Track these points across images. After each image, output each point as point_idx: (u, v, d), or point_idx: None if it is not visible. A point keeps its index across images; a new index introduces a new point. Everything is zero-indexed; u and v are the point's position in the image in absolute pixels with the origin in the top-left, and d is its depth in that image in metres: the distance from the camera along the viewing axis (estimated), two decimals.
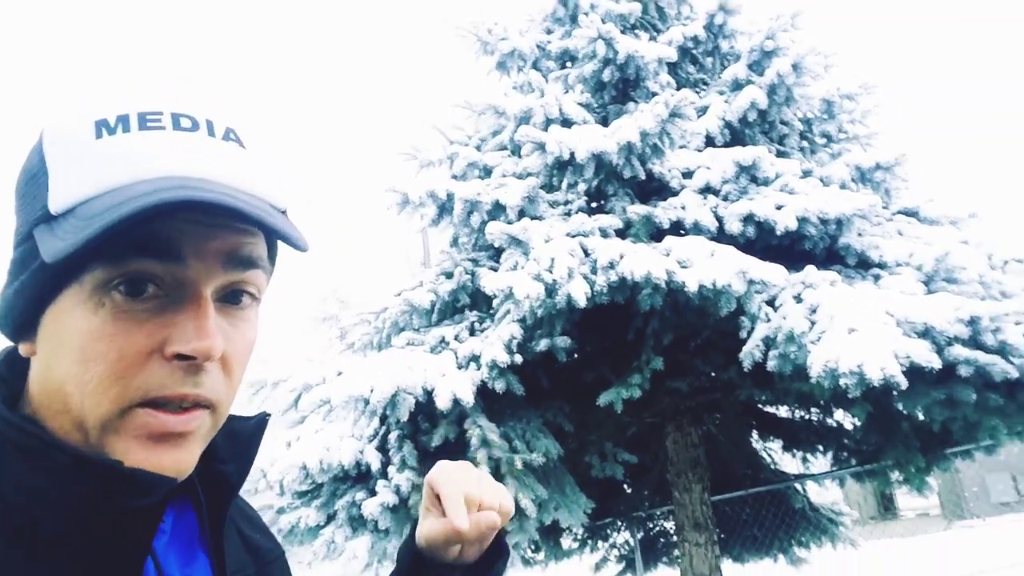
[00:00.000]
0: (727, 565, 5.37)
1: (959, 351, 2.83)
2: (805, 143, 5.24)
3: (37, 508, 0.49)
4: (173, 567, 0.57)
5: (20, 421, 0.50)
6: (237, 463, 0.64)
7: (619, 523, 6.05)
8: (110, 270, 0.49)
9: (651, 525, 6.27)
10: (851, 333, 2.90)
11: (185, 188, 0.48)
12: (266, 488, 4.23)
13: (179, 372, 0.50)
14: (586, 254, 3.70)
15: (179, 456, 0.52)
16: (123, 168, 0.49)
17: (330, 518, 4.05)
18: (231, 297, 0.54)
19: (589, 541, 6.16)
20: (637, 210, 4.11)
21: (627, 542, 6.12)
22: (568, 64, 5.54)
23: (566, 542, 5.81)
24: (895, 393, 2.84)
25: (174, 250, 0.50)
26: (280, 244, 0.61)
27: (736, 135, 4.87)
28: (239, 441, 0.65)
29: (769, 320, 3.36)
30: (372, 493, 3.78)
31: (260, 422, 0.67)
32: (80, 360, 0.49)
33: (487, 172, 5.10)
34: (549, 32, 5.82)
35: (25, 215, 0.54)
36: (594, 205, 4.73)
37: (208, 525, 0.61)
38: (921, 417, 3.54)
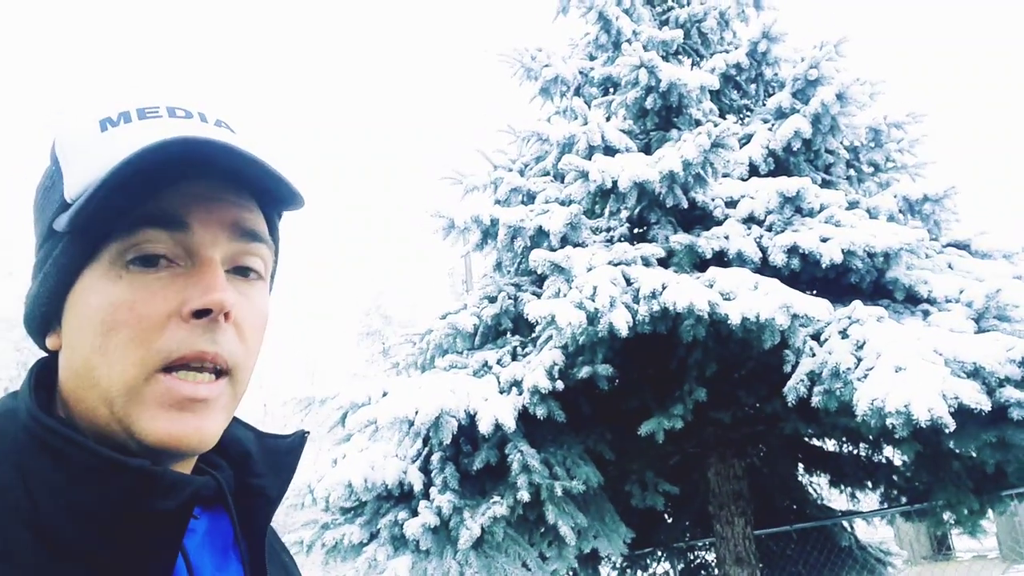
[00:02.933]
0: None
1: (1011, 393, 2.76)
2: (852, 172, 5.18)
3: (67, 509, 0.50)
4: (206, 569, 0.59)
5: (53, 423, 0.52)
6: (276, 478, 0.67)
7: (659, 553, 5.97)
8: (123, 243, 0.53)
9: (692, 556, 6.16)
10: (898, 371, 2.86)
11: (185, 141, 0.52)
12: (312, 504, 4.34)
13: (197, 330, 0.54)
14: (628, 283, 3.73)
15: (201, 424, 0.54)
16: (126, 146, 0.53)
17: (373, 536, 4.12)
18: (240, 271, 0.59)
19: (628, 570, 6.09)
20: (680, 239, 4.14)
21: (667, 573, 6.03)
22: (611, 90, 5.61)
23: (605, 570, 5.76)
24: (944, 433, 2.79)
25: (180, 219, 0.54)
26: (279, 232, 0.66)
27: (780, 163, 4.85)
28: (277, 457, 0.68)
29: (814, 355, 3.33)
30: (414, 513, 3.84)
31: (298, 439, 0.70)
32: (103, 331, 0.53)
33: (530, 197, 5.19)
34: (592, 58, 5.91)
35: (44, 217, 0.58)
36: (636, 232, 4.77)
37: (243, 535, 0.62)
38: (974, 456, 3.44)
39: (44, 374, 0.59)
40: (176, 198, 0.54)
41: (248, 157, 0.55)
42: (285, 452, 0.69)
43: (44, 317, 0.58)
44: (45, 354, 0.61)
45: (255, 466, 0.66)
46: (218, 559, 0.61)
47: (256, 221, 0.60)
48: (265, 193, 0.60)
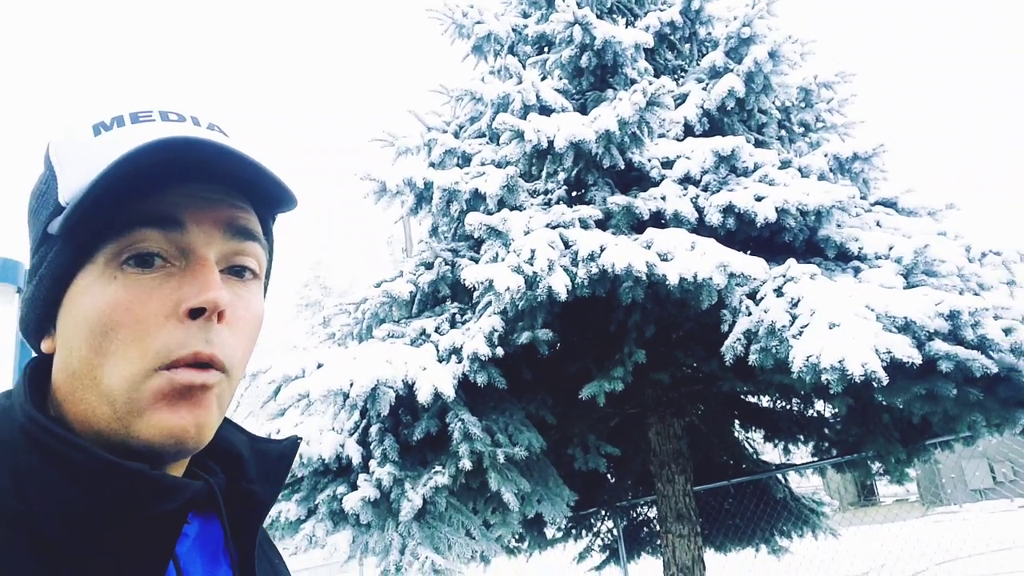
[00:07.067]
0: (710, 555, 5.40)
1: (939, 346, 2.82)
2: (784, 132, 5.23)
3: (62, 511, 0.49)
4: (197, 573, 0.59)
5: (48, 423, 0.51)
6: (267, 483, 0.67)
7: (603, 513, 6.07)
8: (118, 244, 0.53)
9: (634, 514, 6.30)
10: (832, 328, 2.89)
11: (176, 141, 0.52)
12: None
13: (193, 330, 0.53)
14: (567, 246, 3.66)
15: (199, 414, 0.54)
16: (119, 149, 0.53)
17: (311, 512, 4.00)
18: (234, 271, 0.59)
19: (573, 531, 6.18)
20: (617, 200, 4.08)
21: (611, 531, 6.14)
22: (545, 49, 5.47)
23: (550, 532, 5.81)
24: (876, 387, 2.84)
25: (174, 219, 0.54)
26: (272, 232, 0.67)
27: (715, 123, 4.84)
28: (269, 462, 0.68)
29: (750, 314, 3.34)
30: (353, 487, 3.74)
31: (291, 445, 0.70)
32: (101, 331, 0.52)
33: (466, 160, 5.04)
34: (526, 16, 5.74)
35: (39, 221, 0.58)
36: (574, 194, 4.69)
37: (234, 540, 0.62)
38: (901, 408, 3.55)
39: (34, 375, 0.58)
40: (170, 197, 0.55)
41: (241, 157, 0.55)
42: (277, 457, 0.69)
43: (40, 320, 0.58)
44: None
45: (248, 471, 0.66)
46: (208, 563, 0.61)
47: (250, 220, 0.60)
48: (258, 194, 0.60)
